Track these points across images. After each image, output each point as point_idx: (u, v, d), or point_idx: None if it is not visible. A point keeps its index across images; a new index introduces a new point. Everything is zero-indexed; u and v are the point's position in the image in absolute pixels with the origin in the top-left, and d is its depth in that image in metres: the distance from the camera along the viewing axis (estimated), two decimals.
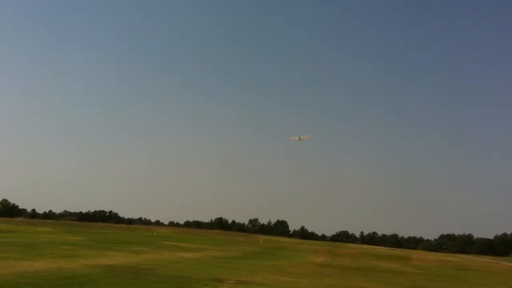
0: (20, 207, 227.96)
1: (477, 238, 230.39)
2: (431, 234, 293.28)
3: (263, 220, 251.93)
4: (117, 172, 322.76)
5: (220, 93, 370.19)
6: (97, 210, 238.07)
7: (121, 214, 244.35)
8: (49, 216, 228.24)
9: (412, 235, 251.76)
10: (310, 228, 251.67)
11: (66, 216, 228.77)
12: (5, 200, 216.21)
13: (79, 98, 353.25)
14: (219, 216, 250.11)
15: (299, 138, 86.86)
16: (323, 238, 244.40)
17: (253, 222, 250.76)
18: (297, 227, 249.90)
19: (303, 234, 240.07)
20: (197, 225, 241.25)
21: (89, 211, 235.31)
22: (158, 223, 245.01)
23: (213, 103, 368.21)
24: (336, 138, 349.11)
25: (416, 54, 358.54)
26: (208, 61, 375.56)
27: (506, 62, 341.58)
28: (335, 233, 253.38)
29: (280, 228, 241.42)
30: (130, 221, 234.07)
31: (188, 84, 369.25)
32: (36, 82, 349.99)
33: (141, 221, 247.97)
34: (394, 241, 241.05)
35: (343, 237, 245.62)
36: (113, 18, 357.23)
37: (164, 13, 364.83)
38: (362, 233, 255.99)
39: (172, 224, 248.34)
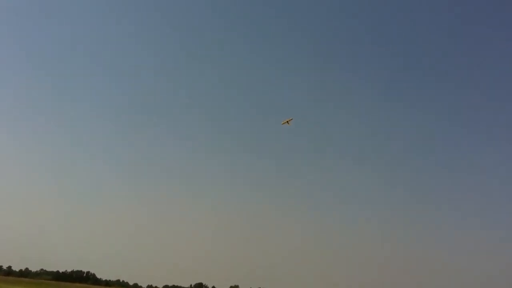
0: None
1: None
2: None
3: (245, 287, 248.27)
4: (96, 230, 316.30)
5: (206, 144, 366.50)
6: (75, 270, 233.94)
7: (98, 275, 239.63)
8: (25, 274, 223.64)
9: None
10: None
11: (42, 275, 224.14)
12: None
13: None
14: (199, 281, 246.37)
15: (287, 122, 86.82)
16: None
17: None
18: None
19: None
20: None
21: (66, 270, 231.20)
22: (136, 286, 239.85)
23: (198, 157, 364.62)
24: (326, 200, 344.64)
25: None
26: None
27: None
28: None
29: None
30: (107, 283, 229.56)
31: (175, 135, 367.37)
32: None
33: (119, 283, 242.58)
34: None
35: None
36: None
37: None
38: None
39: (150, 287, 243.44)
